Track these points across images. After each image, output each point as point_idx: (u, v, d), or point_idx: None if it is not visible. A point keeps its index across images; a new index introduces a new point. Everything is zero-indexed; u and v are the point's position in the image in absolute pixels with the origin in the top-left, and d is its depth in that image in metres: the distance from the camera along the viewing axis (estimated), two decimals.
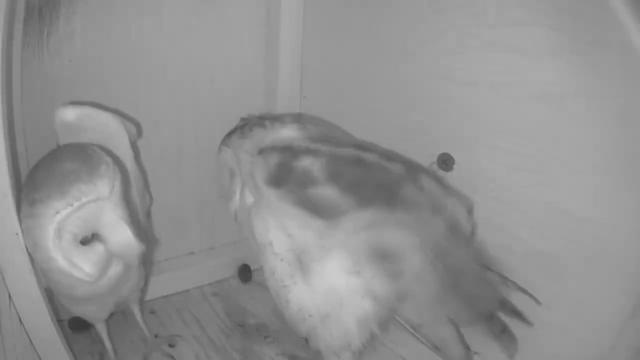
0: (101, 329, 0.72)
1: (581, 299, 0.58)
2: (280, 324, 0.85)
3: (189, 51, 0.83)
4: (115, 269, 0.59)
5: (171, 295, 0.91)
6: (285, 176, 0.59)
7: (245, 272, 0.97)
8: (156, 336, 0.81)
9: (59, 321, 0.63)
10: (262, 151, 0.62)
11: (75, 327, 0.80)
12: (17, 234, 0.55)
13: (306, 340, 0.74)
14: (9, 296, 0.57)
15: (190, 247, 0.96)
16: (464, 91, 0.65)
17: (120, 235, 0.56)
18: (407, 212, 0.58)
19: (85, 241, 0.56)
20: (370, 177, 0.58)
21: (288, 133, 0.63)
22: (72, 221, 0.53)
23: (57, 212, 0.52)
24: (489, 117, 0.63)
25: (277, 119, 0.65)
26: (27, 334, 0.59)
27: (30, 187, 0.55)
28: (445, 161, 0.69)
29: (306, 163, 0.58)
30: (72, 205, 0.52)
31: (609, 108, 0.52)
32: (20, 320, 0.58)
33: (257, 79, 0.92)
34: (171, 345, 0.80)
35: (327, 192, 0.58)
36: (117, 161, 0.59)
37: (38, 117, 0.74)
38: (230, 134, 0.68)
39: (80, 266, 0.55)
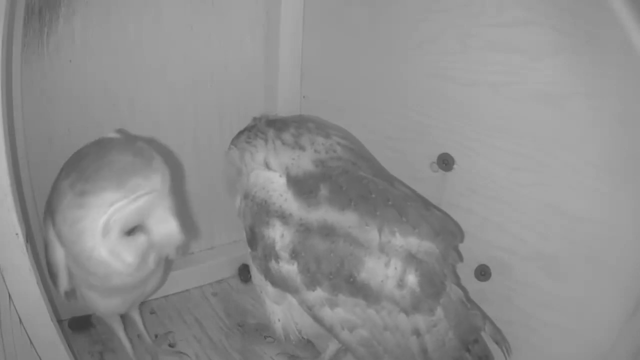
0: (118, 328, 0.73)
1: (581, 299, 0.58)
2: None
3: (189, 51, 0.83)
4: (150, 262, 0.60)
5: (171, 295, 0.91)
6: (255, 242, 0.63)
7: (245, 272, 0.97)
8: (156, 336, 0.81)
9: (59, 321, 0.63)
10: (246, 196, 0.64)
11: (75, 327, 0.80)
12: (17, 234, 0.55)
13: (306, 340, 0.74)
14: (9, 296, 0.57)
15: (189, 247, 0.96)
16: (464, 91, 0.65)
17: (166, 226, 0.57)
18: (364, 289, 0.58)
19: (129, 232, 0.56)
20: (333, 255, 0.58)
21: (273, 176, 0.63)
22: (124, 213, 0.53)
23: (112, 205, 0.52)
24: (489, 117, 0.63)
25: (279, 132, 0.65)
26: (27, 334, 0.59)
27: (77, 178, 0.54)
28: (445, 161, 0.69)
29: (275, 234, 0.61)
30: (128, 197, 0.52)
31: (609, 108, 0.52)
32: (20, 320, 0.58)
33: (257, 79, 0.92)
34: (171, 345, 0.80)
35: (286, 269, 0.61)
36: (165, 155, 0.59)
37: (38, 117, 0.74)
38: (240, 134, 0.68)
39: (122, 257, 0.55)
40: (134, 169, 0.53)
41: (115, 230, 0.54)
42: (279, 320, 0.67)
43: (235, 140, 0.68)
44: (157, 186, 0.55)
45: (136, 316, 0.77)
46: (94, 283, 0.61)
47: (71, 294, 0.65)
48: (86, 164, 0.55)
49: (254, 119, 0.70)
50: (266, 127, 0.66)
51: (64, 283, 0.62)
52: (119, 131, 0.62)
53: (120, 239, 0.55)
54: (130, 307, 0.72)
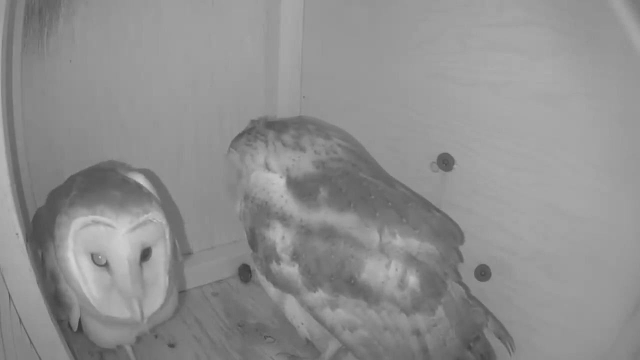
0: (128, 350, 0.73)
1: (581, 299, 0.58)
2: (280, 324, 0.85)
3: (189, 51, 0.83)
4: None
5: None
6: (255, 243, 0.63)
7: (245, 272, 0.97)
8: (156, 336, 0.81)
9: (59, 321, 0.63)
10: (246, 198, 0.64)
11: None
12: (17, 234, 0.55)
13: (306, 340, 0.74)
14: (9, 296, 0.57)
15: (189, 247, 0.96)
16: (464, 91, 0.65)
17: (122, 287, 0.57)
18: (364, 290, 0.58)
19: (98, 262, 0.57)
20: (334, 257, 0.58)
21: (274, 177, 0.63)
22: (84, 232, 0.55)
23: (74, 219, 0.55)
24: (489, 117, 0.63)
25: (279, 134, 0.65)
26: (27, 334, 0.59)
27: (78, 191, 0.58)
28: (445, 161, 0.69)
29: (276, 236, 0.61)
30: (85, 216, 0.55)
31: (609, 108, 0.52)
32: (20, 320, 0.58)
33: (257, 79, 0.92)
34: (171, 346, 0.80)
35: (287, 270, 0.61)
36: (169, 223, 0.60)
37: (38, 117, 0.74)
38: (239, 136, 0.68)
39: (89, 285, 0.57)
40: (111, 200, 0.56)
41: (81, 247, 0.56)
42: (302, 324, 0.67)
43: (234, 143, 0.68)
44: (122, 228, 0.55)
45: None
46: (88, 309, 0.60)
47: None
48: (92, 183, 0.59)
49: (252, 121, 0.71)
50: (266, 129, 0.66)
51: (77, 312, 0.62)
52: (112, 163, 0.65)
53: (89, 265, 0.56)
54: (137, 336, 0.71)
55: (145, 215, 0.57)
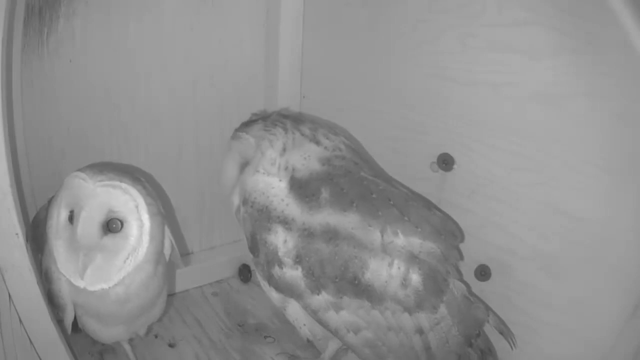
0: (128, 349, 0.73)
1: (581, 299, 0.58)
2: (280, 324, 0.85)
3: (189, 51, 0.83)
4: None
5: (171, 296, 0.91)
6: (256, 249, 0.62)
7: (245, 272, 0.97)
8: (156, 336, 0.81)
9: (59, 321, 0.63)
10: (245, 203, 0.64)
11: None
12: (17, 234, 0.55)
13: (307, 340, 0.74)
14: (9, 296, 0.57)
15: (189, 246, 0.96)
16: (464, 91, 0.65)
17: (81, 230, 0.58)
18: (368, 290, 0.58)
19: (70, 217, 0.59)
20: (337, 258, 0.58)
21: (273, 181, 0.62)
22: (67, 187, 0.60)
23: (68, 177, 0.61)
24: (489, 117, 0.63)
25: (297, 124, 0.65)
26: (27, 334, 0.59)
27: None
28: (445, 161, 0.69)
29: (278, 240, 0.60)
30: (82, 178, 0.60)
31: (609, 108, 0.52)
32: (20, 320, 0.58)
33: (257, 79, 0.92)
34: (171, 346, 0.80)
35: (290, 274, 0.60)
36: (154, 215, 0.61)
37: (38, 117, 0.74)
38: (251, 123, 0.67)
39: (58, 240, 0.59)
40: (100, 167, 0.61)
41: (64, 201, 0.59)
42: (304, 325, 0.66)
43: (246, 129, 0.67)
44: (93, 183, 0.58)
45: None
46: (79, 301, 0.61)
47: (76, 326, 0.65)
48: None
49: (253, 114, 0.70)
50: (283, 118, 0.66)
51: (70, 312, 0.62)
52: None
53: (65, 223, 0.59)
54: (133, 334, 0.72)
55: (119, 182, 0.59)
